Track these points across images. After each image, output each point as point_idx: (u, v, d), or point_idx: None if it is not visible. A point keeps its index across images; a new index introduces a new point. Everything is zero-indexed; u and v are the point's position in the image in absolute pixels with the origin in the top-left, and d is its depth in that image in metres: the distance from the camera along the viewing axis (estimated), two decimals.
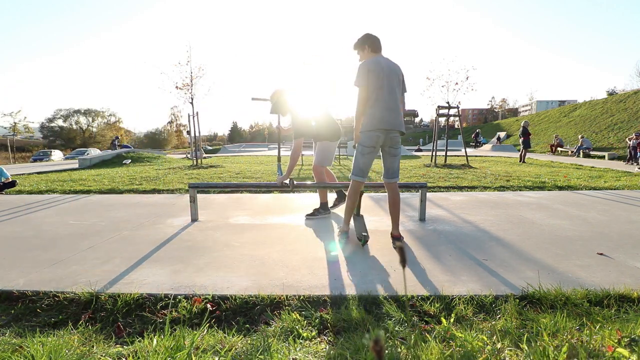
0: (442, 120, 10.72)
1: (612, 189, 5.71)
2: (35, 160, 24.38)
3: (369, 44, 2.72)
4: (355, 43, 2.78)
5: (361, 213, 3.38)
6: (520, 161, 11.87)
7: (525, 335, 1.45)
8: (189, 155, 16.56)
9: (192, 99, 10.63)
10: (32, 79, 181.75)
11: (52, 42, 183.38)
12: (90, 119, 56.96)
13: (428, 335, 1.49)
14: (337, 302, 1.85)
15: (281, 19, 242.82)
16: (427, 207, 3.99)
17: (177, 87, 10.53)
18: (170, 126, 69.06)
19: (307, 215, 3.72)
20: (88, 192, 5.60)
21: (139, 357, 1.36)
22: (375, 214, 3.83)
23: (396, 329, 1.57)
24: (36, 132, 50.43)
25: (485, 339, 1.44)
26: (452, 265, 2.34)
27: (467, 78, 10.21)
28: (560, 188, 5.82)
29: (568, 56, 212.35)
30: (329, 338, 1.55)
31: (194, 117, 10.89)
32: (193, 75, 10.54)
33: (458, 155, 12.63)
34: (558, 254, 2.55)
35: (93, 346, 1.48)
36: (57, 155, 27.71)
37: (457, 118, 11.69)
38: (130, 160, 13.00)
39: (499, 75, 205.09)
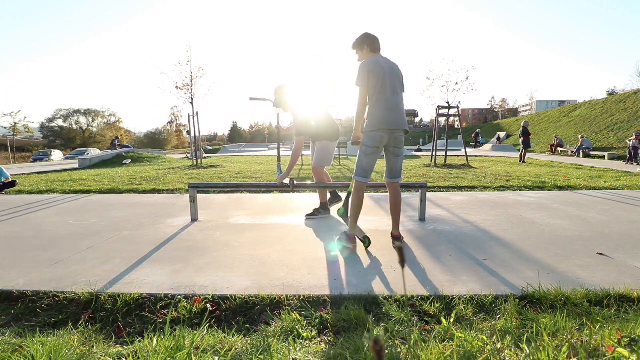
0: (442, 120, 10.72)
1: (612, 189, 5.71)
2: (35, 160, 24.38)
3: (368, 43, 2.70)
4: (354, 43, 2.76)
5: (361, 213, 3.37)
6: (520, 161, 11.87)
7: (525, 335, 1.45)
8: (189, 155, 16.56)
9: (192, 99, 10.64)
10: (32, 79, 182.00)
11: (52, 42, 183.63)
12: (90, 119, 57.02)
13: (428, 335, 1.49)
14: (337, 302, 1.84)
15: (281, 19, 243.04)
16: (427, 207, 3.99)
17: (177, 87, 10.54)
18: (170, 126, 69.08)
19: (307, 215, 3.72)
20: (88, 192, 5.60)
21: (139, 357, 1.36)
22: (375, 214, 3.83)
23: (396, 329, 1.57)
24: (36, 132, 50.46)
25: (485, 339, 1.44)
26: (452, 265, 2.34)
27: (467, 78, 10.22)
28: (560, 188, 5.82)
29: (568, 56, 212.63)
30: (329, 338, 1.55)
31: (194, 117, 10.89)
32: (193, 75, 10.55)
33: (458, 155, 12.63)
34: (558, 254, 2.55)
35: (93, 346, 1.48)
36: (57, 155, 27.71)
37: (457, 118, 11.69)
38: (130, 160, 13.00)
39: (499, 75, 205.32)
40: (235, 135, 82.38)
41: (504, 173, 7.91)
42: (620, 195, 5.07)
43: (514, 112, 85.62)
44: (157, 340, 1.43)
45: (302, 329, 1.59)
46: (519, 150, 13.45)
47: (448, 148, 10.61)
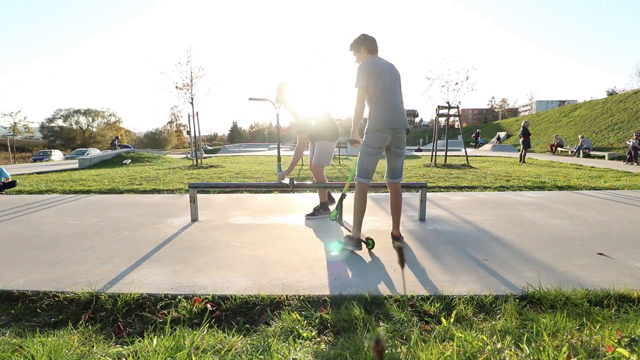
0: (442, 120, 10.72)
1: (612, 189, 5.71)
2: (35, 160, 24.38)
3: (366, 45, 2.68)
4: (352, 44, 2.74)
5: None
6: (520, 161, 11.87)
7: (525, 335, 1.45)
8: (189, 155, 16.56)
9: (192, 99, 10.64)
10: (32, 79, 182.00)
11: (52, 42, 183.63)
12: (90, 119, 57.01)
13: (428, 335, 1.49)
14: (337, 302, 1.84)
15: (281, 19, 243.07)
16: (427, 207, 3.99)
17: (177, 87, 10.54)
18: (170, 126, 69.09)
19: (307, 215, 3.72)
20: (88, 192, 5.60)
21: (139, 357, 1.36)
22: (375, 214, 3.83)
23: (396, 329, 1.57)
24: (36, 132, 50.46)
25: (485, 339, 1.44)
26: (452, 265, 2.34)
27: (467, 78, 10.22)
28: (560, 188, 5.82)
29: (568, 56, 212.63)
30: (329, 338, 1.55)
31: (194, 117, 10.89)
32: (193, 75, 10.55)
33: (458, 155, 12.63)
34: (558, 254, 2.55)
35: (93, 346, 1.48)
36: (57, 155, 27.70)
37: (457, 118, 11.69)
38: (130, 160, 13.00)
39: (499, 75, 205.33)
40: (235, 135, 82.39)
41: (504, 173, 7.91)
42: (620, 195, 5.07)
43: (514, 112, 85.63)
44: (157, 340, 1.43)
45: (302, 329, 1.59)
46: (519, 150, 13.45)
47: (448, 148, 10.61)
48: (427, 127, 73.98)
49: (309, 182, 4.33)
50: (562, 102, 71.71)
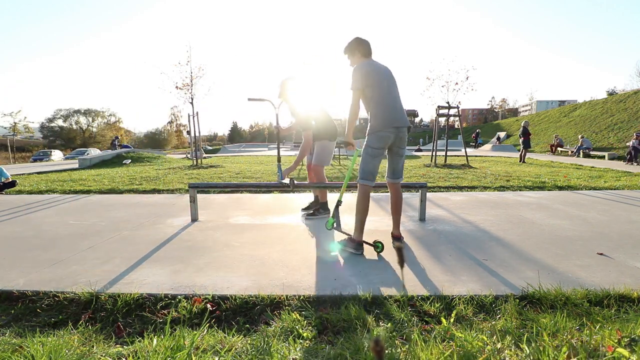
0: (442, 120, 10.72)
1: (612, 189, 5.71)
2: (35, 160, 24.37)
3: (360, 49, 2.67)
4: (346, 48, 2.74)
5: None
6: (520, 161, 11.88)
7: (525, 335, 1.45)
8: (189, 155, 16.56)
9: (192, 99, 10.64)
10: (32, 79, 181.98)
11: (52, 42, 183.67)
12: (90, 119, 57.00)
13: (428, 335, 1.49)
14: (337, 302, 1.84)
15: (281, 19, 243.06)
16: (427, 207, 3.99)
17: (177, 87, 10.54)
18: (170, 126, 69.07)
19: (307, 215, 3.72)
20: (88, 192, 5.60)
21: (139, 357, 1.36)
22: (375, 214, 3.83)
23: (396, 329, 1.57)
24: (36, 132, 50.44)
25: (485, 339, 1.44)
26: (452, 265, 2.34)
27: (467, 78, 10.23)
28: (560, 188, 5.82)
29: (568, 56, 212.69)
30: (329, 338, 1.55)
31: (194, 117, 10.89)
32: (193, 75, 10.55)
33: (458, 155, 12.64)
34: (558, 254, 2.55)
35: (93, 346, 1.48)
36: (57, 155, 27.70)
37: (457, 118, 11.69)
38: (130, 160, 13.00)
39: (499, 75, 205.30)
40: (235, 135, 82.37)
41: (504, 173, 7.91)
42: (620, 195, 5.07)
43: (514, 112, 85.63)
44: (157, 340, 1.43)
45: (302, 329, 1.59)
46: (519, 150, 13.45)
47: (448, 148, 10.61)
48: (427, 127, 74.00)
49: (309, 182, 4.33)
50: (562, 102, 71.74)
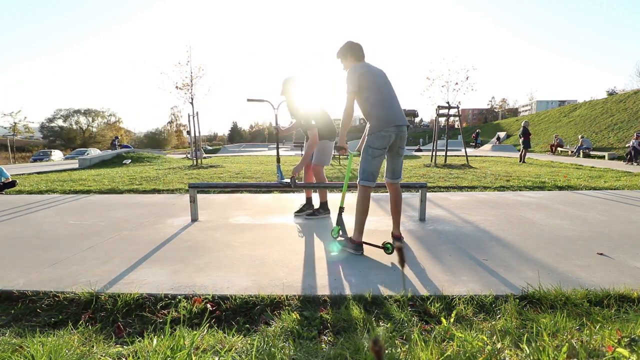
0: (442, 120, 10.72)
1: (612, 189, 5.71)
2: (35, 160, 24.36)
3: (352, 53, 2.66)
4: (338, 52, 2.73)
5: None
6: (520, 161, 11.88)
7: (525, 335, 1.45)
8: (189, 155, 16.56)
9: (192, 99, 10.64)
10: (32, 79, 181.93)
11: (52, 42, 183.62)
12: (90, 119, 57.00)
13: (428, 335, 1.49)
14: (337, 302, 1.84)
15: (281, 19, 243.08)
16: (427, 207, 3.99)
17: (177, 87, 10.55)
18: (170, 126, 69.06)
19: (307, 215, 3.73)
20: (88, 192, 5.60)
21: (139, 357, 1.36)
22: (375, 214, 3.83)
23: (396, 329, 1.57)
24: (36, 132, 50.41)
25: (485, 339, 1.44)
26: (452, 265, 2.34)
27: (467, 78, 10.22)
28: (560, 188, 5.82)
29: (568, 56, 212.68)
30: (329, 338, 1.55)
31: (194, 117, 10.89)
32: (193, 75, 10.56)
33: (458, 155, 12.64)
34: (558, 254, 2.55)
35: (93, 346, 1.48)
36: (57, 155, 27.68)
37: (457, 118, 11.70)
38: (130, 160, 13.00)
39: (499, 75, 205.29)
40: (235, 135, 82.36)
41: (504, 173, 7.91)
42: (620, 195, 5.07)
43: (514, 112, 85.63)
44: (157, 340, 1.43)
45: (302, 329, 1.59)
46: (519, 150, 13.45)
47: (448, 148, 10.61)
48: (427, 127, 74.02)
49: (309, 182, 4.33)
50: (562, 102, 71.74)
